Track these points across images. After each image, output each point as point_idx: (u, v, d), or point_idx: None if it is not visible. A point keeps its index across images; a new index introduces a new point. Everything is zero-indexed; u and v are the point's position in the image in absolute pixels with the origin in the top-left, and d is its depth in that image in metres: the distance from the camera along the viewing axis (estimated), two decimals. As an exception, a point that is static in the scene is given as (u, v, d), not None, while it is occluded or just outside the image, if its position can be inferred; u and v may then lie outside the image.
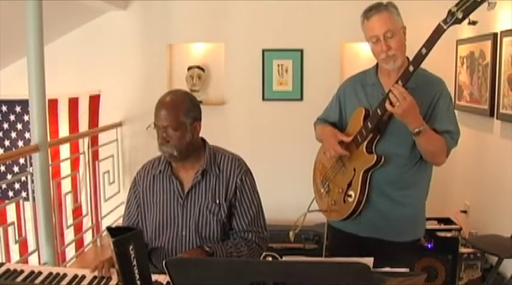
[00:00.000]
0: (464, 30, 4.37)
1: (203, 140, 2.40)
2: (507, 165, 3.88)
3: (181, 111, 2.24)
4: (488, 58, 4.08)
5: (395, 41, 2.34)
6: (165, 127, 2.23)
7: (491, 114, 4.05)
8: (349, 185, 2.51)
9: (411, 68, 2.24)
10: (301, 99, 5.22)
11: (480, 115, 4.23)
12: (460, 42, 4.67)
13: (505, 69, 3.81)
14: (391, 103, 2.25)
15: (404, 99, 2.20)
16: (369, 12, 2.38)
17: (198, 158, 2.34)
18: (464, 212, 4.56)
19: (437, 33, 2.16)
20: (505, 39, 3.81)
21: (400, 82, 2.26)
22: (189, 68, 5.29)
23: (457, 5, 2.09)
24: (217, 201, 2.30)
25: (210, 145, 2.40)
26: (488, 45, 4.08)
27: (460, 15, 2.09)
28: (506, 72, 3.79)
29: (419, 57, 2.21)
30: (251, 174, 2.42)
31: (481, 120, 4.22)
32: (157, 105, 2.28)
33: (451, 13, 2.12)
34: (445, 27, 2.14)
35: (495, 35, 3.95)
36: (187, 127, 2.25)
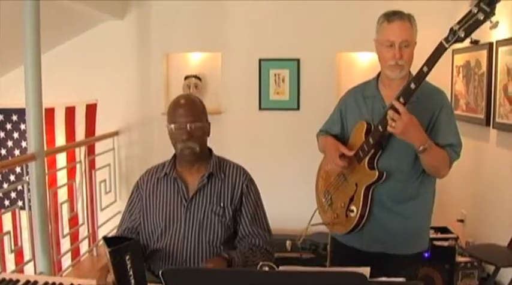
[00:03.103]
0: (460, 39, 4.39)
1: (209, 149, 2.45)
2: (503, 174, 3.89)
3: (198, 108, 2.35)
4: (484, 68, 4.10)
5: (407, 52, 2.34)
6: (189, 122, 2.28)
7: (488, 123, 4.06)
8: (351, 199, 2.49)
9: (413, 86, 2.20)
10: (298, 108, 5.23)
11: (476, 124, 4.24)
12: (456, 51, 4.69)
13: (501, 79, 3.82)
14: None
15: (399, 118, 2.18)
16: (392, 16, 2.35)
17: (204, 162, 2.38)
18: (461, 221, 4.57)
19: (438, 52, 2.13)
20: (501, 49, 3.82)
21: (401, 99, 2.23)
22: (186, 77, 5.30)
23: (459, 23, 2.06)
24: (222, 204, 2.33)
25: (215, 154, 2.45)
26: (484, 54, 4.09)
27: (462, 34, 2.05)
28: (502, 81, 3.80)
29: (421, 75, 2.18)
30: (255, 183, 2.46)
31: (477, 129, 4.23)
32: (173, 106, 2.34)
33: (453, 31, 2.08)
34: (446, 45, 2.11)
35: (491, 44, 3.97)
36: (205, 123, 2.36)
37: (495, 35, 3.90)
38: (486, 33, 3.94)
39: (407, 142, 2.29)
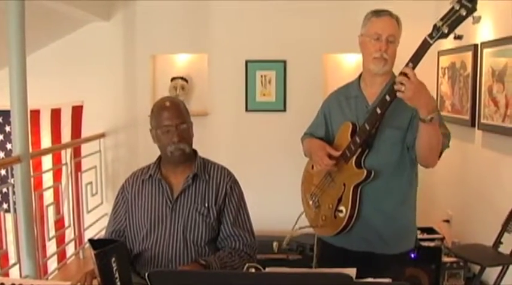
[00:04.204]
0: (445, 41, 4.41)
1: (194, 150, 2.46)
2: (488, 174, 3.92)
3: (183, 110, 2.37)
4: (469, 69, 4.13)
5: (392, 48, 2.37)
6: (178, 124, 2.31)
7: (473, 124, 4.09)
8: (340, 200, 2.49)
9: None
10: (285, 110, 5.23)
11: (462, 125, 4.27)
12: (441, 53, 4.73)
13: (486, 80, 3.85)
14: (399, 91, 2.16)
15: (409, 81, 2.12)
16: (381, 12, 2.40)
17: (189, 164, 2.40)
18: (447, 221, 4.59)
19: (423, 48, 2.15)
20: (486, 51, 3.85)
21: (387, 96, 2.24)
22: (173, 79, 5.29)
23: (442, 19, 2.08)
24: (207, 205, 2.35)
25: (200, 156, 2.46)
26: (469, 56, 4.12)
27: (445, 30, 2.08)
28: (487, 82, 3.83)
29: None
30: (239, 184, 2.47)
31: (463, 130, 4.26)
32: (158, 109, 2.36)
33: (436, 28, 2.11)
34: (431, 41, 2.13)
35: (476, 46, 4.00)
36: (190, 124, 2.39)
37: (480, 37, 3.94)
38: (471, 35, 3.97)
39: (392, 138, 2.31)
